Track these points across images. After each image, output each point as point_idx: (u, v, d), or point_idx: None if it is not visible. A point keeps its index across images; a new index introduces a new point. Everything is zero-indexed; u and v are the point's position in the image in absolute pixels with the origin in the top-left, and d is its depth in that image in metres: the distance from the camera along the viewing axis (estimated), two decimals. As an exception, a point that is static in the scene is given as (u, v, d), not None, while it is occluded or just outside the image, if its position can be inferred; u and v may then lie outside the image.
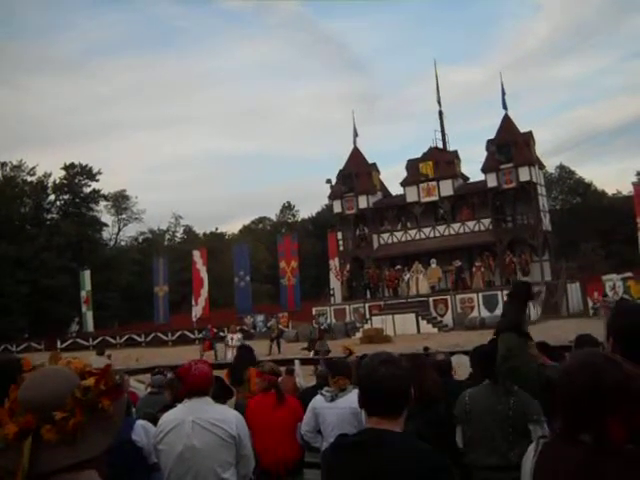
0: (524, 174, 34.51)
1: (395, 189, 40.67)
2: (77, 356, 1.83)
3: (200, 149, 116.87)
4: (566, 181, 65.19)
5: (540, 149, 40.32)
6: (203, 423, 3.92)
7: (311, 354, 21.19)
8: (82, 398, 1.53)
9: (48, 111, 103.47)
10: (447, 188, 36.85)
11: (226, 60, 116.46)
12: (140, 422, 4.28)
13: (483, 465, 4.38)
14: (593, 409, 1.82)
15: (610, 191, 64.84)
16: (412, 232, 37.99)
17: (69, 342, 41.77)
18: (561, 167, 65.47)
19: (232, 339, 23.49)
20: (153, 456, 4.09)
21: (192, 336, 37.46)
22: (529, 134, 36.01)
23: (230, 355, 21.21)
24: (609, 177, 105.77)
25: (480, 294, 31.70)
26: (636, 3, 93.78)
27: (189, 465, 3.88)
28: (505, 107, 36.49)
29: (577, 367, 1.93)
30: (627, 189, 52.11)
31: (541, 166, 37.97)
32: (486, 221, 35.69)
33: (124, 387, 1.74)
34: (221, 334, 29.40)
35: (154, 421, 4.39)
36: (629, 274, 31.42)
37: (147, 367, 15.85)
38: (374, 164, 40.49)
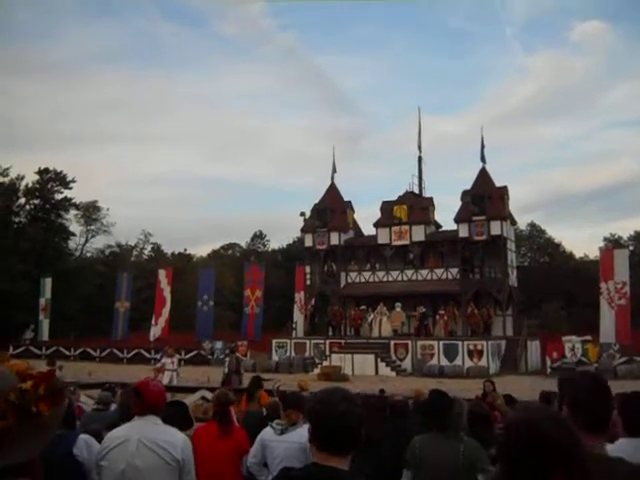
0: (495, 228, 34.92)
1: (368, 229, 40.93)
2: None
3: (178, 169, 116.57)
4: (536, 239, 66.12)
5: (513, 205, 40.88)
6: (149, 443, 3.83)
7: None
8: (16, 401, 1.47)
9: (29, 114, 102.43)
10: (419, 233, 37.12)
11: (214, 84, 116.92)
12: (83, 437, 4.16)
13: None
14: (533, 466, 1.80)
15: (578, 254, 65.87)
16: (380, 274, 38.11)
17: (22, 349, 40.87)
18: (532, 225, 66.49)
19: (173, 362, 21.78)
20: (94, 473, 3.98)
21: (148, 355, 36.93)
22: (504, 189, 36.51)
23: (168, 380, 19.69)
24: (578, 240, 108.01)
25: (441, 342, 31.72)
26: (619, 76, 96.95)
27: (130, 485, 3.78)
28: (483, 160, 37.06)
29: (516, 423, 1.92)
30: (594, 254, 53.05)
31: (513, 222, 38.48)
32: (454, 270, 35.95)
33: (64, 396, 1.67)
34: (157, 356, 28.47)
35: (99, 437, 4.27)
36: (588, 337, 31.69)
37: (98, 382, 15.55)
38: (349, 202, 40.73)
